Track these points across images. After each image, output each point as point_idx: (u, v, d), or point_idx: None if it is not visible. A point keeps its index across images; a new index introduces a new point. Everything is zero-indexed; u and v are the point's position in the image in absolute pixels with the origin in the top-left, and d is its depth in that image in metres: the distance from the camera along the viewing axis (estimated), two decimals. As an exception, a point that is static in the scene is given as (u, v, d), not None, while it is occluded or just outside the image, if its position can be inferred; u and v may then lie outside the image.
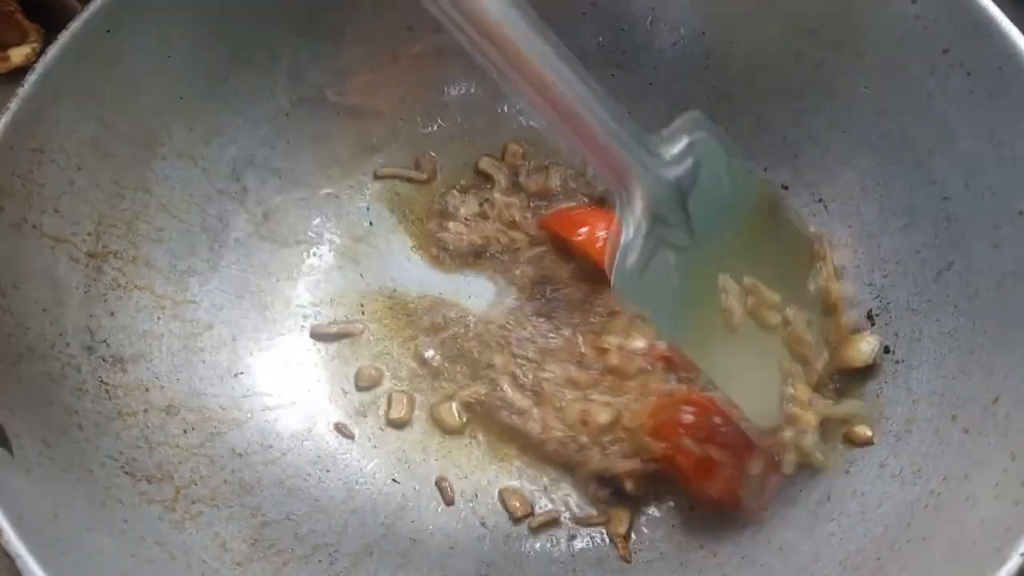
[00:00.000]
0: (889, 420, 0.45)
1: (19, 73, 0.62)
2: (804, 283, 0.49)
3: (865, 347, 0.48)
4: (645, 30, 0.57)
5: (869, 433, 0.46)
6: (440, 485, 0.50)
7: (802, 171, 0.54)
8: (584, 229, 0.54)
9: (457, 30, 0.37)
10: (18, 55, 0.65)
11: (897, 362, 0.47)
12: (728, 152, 0.44)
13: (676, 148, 0.41)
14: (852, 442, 0.46)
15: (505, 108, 0.61)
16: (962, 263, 0.45)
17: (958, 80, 0.45)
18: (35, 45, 0.64)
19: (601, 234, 0.53)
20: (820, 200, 0.53)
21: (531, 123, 0.61)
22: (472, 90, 0.61)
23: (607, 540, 0.47)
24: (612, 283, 0.40)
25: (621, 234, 0.40)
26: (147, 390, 0.46)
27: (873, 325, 0.49)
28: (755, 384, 0.45)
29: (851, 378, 0.49)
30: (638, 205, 0.40)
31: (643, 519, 0.48)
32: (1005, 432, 0.39)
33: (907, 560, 0.38)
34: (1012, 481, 0.36)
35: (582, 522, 0.49)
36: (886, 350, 0.48)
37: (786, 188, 0.54)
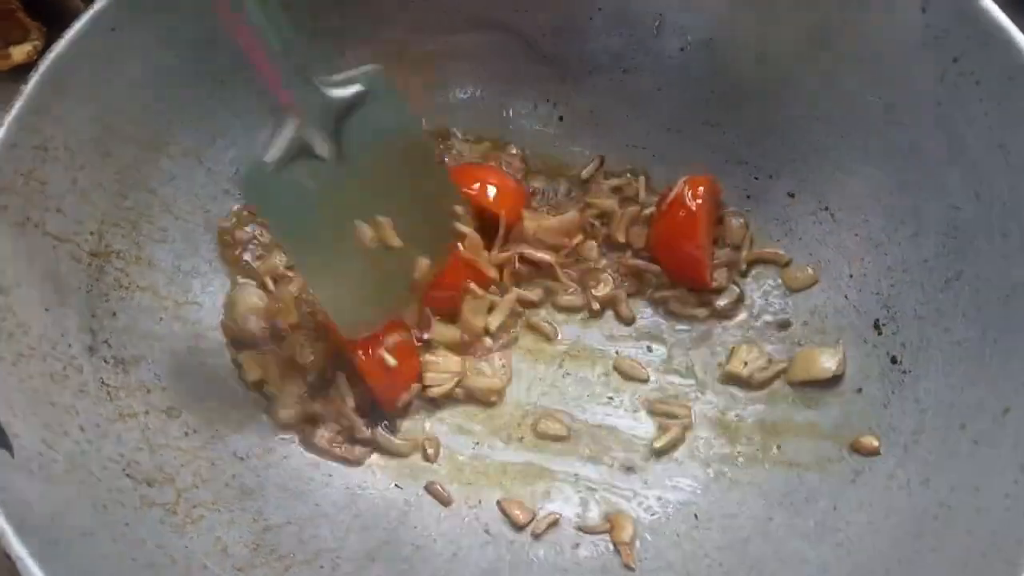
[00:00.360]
0: (896, 431, 0.45)
1: (21, 71, 0.61)
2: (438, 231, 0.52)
3: (826, 361, 0.50)
4: (652, 36, 0.57)
5: (876, 443, 0.45)
6: (431, 488, 0.50)
7: (809, 179, 0.53)
8: (476, 184, 0.56)
9: None
10: (19, 53, 0.65)
11: (904, 372, 0.47)
12: (400, 97, 0.47)
13: (343, 76, 0.45)
14: (858, 452, 0.46)
15: (509, 112, 0.61)
16: (971, 273, 0.45)
17: (968, 89, 0.45)
18: (37, 43, 0.64)
19: (491, 189, 0.56)
20: (827, 208, 0.53)
21: (535, 127, 0.61)
22: (477, 93, 0.60)
23: (612, 548, 0.47)
24: (242, 178, 0.46)
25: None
26: (149, 392, 0.45)
27: (880, 334, 0.49)
28: (354, 300, 0.49)
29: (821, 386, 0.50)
30: (289, 115, 0.43)
31: (648, 527, 0.48)
32: (1015, 443, 0.38)
33: (917, 571, 0.37)
34: (1023, 492, 0.36)
35: (585, 530, 0.48)
36: (892, 360, 0.48)
37: (792, 196, 0.54)
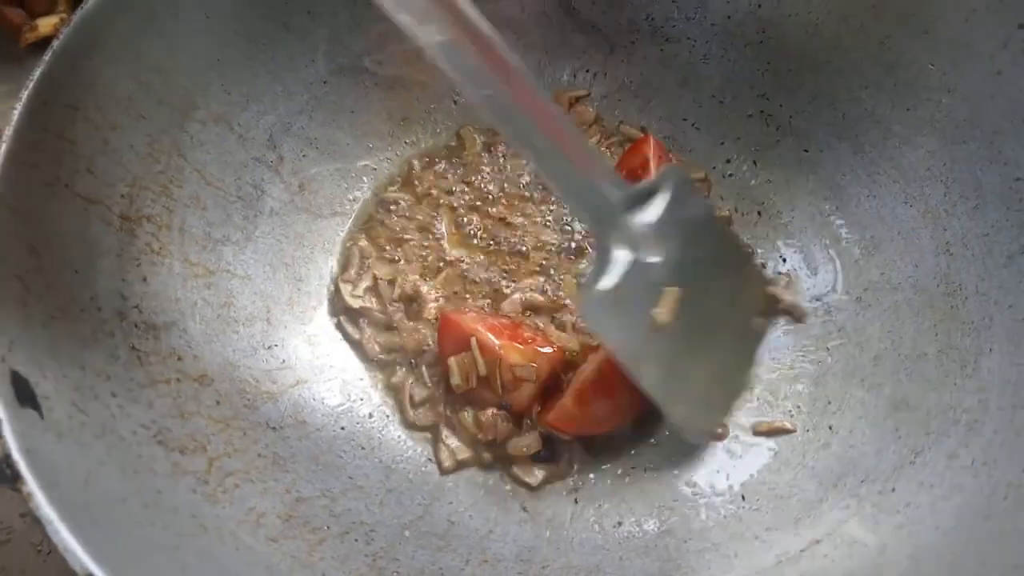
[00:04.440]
0: (956, 409, 0.43)
1: (47, 43, 0.60)
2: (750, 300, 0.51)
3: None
4: (697, 2, 0.55)
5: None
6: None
7: (863, 150, 0.51)
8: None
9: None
10: (46, 25, 0.64)
11: (964, 350, 0.44)
12: (696, 191, 0.49)
13: (641, 184, 0.45)
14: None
15: (548, 82, 0.60)
16: (1037, 247, 0.43)
17: (1034, 55, 0.43)
18: (64, 15, 0.63)
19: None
20: (881, 181, 0.51)
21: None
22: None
23: (652, 527, 0.45)
24: (581, 310, 0.45)
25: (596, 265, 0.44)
26: (180, 359, 0.44)
27: (938, 311, 0.47)
28: (700, 402, 0.48)
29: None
30: (615, 236, 0.44)
31: (692, 507, 0.46)
32: (1090, 422, 0.36)
33: (989, 553, 0.35)
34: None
35: None
36: (950, 337, 0.45)
37: (844, 169, 0.52)
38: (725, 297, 0.49)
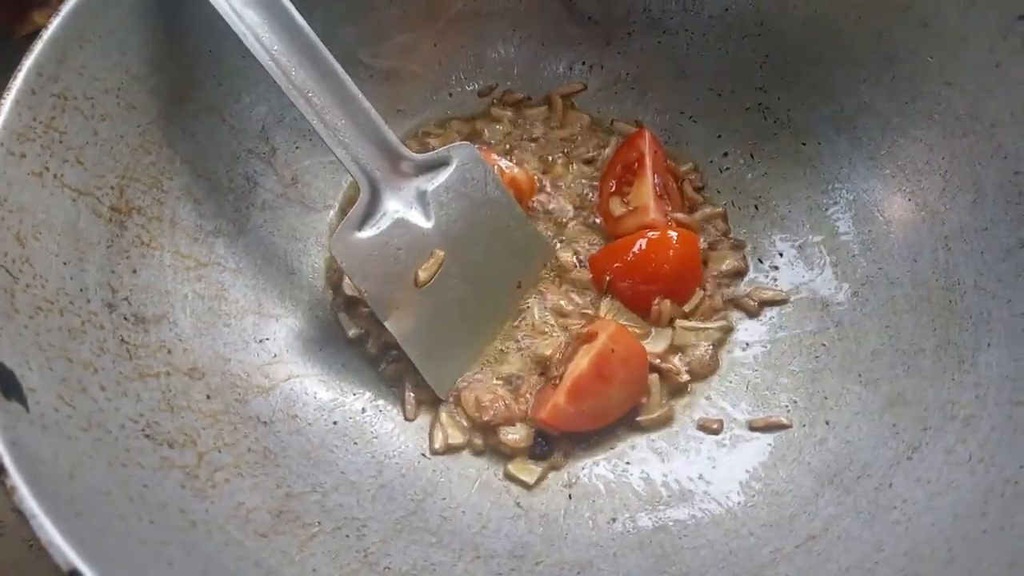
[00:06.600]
0: (953, 405, 0.42)
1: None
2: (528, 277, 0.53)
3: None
4: (695, -5, 0.54)
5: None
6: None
7: (861, 144, 0.51)
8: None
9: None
10: (41, 17, 0.63)
11: (962, 346, 0.44)
12: (487, 167, 0.51)
13: (431, 153, 0.49)
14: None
15: (544, 74, 0.59)
16: (1035, 241, 0.42)
17: (1033, 48, 0.42)
18: (58, 7, 0.62)
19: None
20: (879, 176, 0.50)
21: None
22: (512, 53, 0.58)
23: (647, 523, 0.45)
24: (334, 248, 0.46)
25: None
26: (170, 352, 0.44)
27: (936, 307, 0.46)
28: (444, 357, 0.50)
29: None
30: (376, 191, 0.47)
31: (686, 503, 0.46)
32: (1089, 417, 0.36)
33: (985, 549, 0.35)
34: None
35: None
36: (948, 333, 0.45)
37: (842, 163, 0.52)
38: (493, 269, 0.51)
